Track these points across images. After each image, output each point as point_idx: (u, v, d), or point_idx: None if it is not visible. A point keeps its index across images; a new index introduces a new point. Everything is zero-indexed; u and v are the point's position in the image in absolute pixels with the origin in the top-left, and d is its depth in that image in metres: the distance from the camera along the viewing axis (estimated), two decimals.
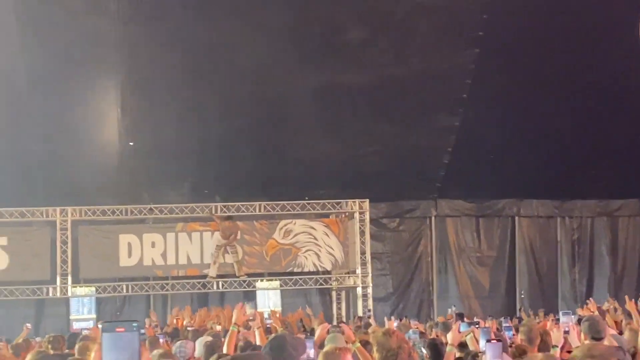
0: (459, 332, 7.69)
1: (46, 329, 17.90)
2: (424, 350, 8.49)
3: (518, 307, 23.08)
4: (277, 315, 17.29)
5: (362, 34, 19.28)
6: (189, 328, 14.74)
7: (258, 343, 7.87)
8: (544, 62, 19.75)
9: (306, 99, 20.22)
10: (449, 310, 20.48)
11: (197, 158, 21.57)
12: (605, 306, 16.93)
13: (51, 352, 9.09)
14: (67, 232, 21.70)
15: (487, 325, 11.22)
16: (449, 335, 7.70)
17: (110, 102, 20.33)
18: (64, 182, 21.30)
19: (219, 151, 21.21)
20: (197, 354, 8.34)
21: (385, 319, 16.49)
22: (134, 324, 2.19)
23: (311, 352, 5.50)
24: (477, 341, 7.57)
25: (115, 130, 20.89)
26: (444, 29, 19.39)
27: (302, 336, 9.00)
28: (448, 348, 7.69)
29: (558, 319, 11.73)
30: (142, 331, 14.02)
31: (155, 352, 6.82)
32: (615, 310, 16.00)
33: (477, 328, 8.27)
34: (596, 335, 7.14)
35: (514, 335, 9.52)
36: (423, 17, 19.11)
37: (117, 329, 2.18)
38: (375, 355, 5.60)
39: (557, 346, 6.93)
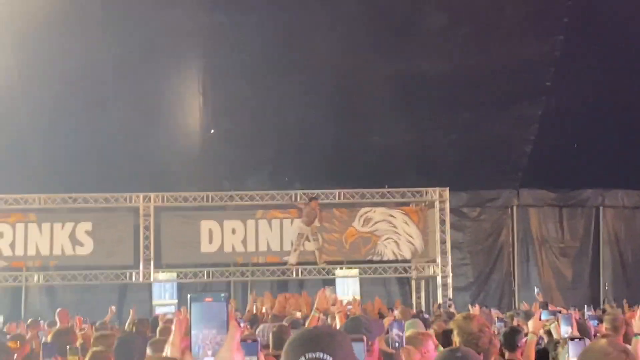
0: (540, 320, 7.59)
1: (129, 314, 18.16)
2: None
3: (602, 298, 22.66)
4: (358, 302, 17.29)
5: (443, 20, 19.14)
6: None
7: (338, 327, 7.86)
8: (629, 48, 19.33)
9: (386, 86, 20.15)
10: (535, 290, 20.17)
11: (276, 146, 21.69)
12: None
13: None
14: (149, 218, 22.04)
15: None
16: (530, 323, 7.61)
17: (193, 90, 20.59)
18: (147, 169, 21.63)
19: (298, 139, 21.29)
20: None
21: (470, 306, 16.39)
22: (222, 295, 2.20)
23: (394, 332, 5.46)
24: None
25: (198, 118, 21.16)
26: (527, 15, 19.15)
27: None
28: (529, 336, 7.59)
29: None
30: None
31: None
32: None
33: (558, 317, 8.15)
34: None
35: (598, 325, 9.36)
36: (506, 4, 18.89)
37: (206, 299, 2.19)
38: (456, 339, 5.55)
39: (639, 333, 6.75)
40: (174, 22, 18.77)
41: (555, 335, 7.72)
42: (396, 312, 14.48)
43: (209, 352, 2.16)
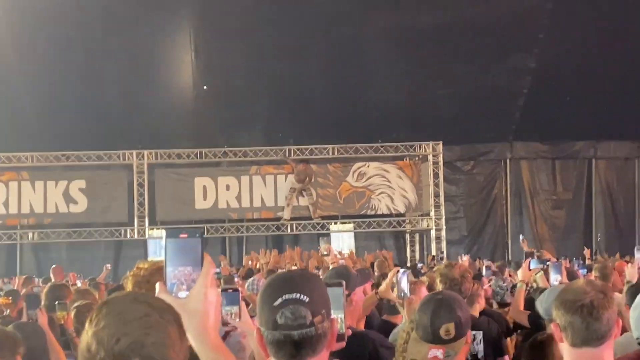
0: (529, 269, 7.66)
1: (125, 271, 18.18)
2: (500, 287, 8.52)
3: (594, 249, 22.80)
4: (352, 255, 17.39)
5: None
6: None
7: None
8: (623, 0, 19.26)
9: (379, 40, 20.07)
10: (520, 237, 20.35)
11: (270, 101, 21.65)
12: None
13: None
14: (143, 175, 22.08)
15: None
16: (519, 272, 7.70)
17: (185, 46, 20.48)
18: (140, 126, 21.60)
19: (292, 94, 21.24)
20: None
21: (459, 257, 16.49)
22: (197, 232, 2.21)
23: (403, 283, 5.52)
24: (548, 278, 7.53)
25: (190, 74, 21.08)
26: None
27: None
28: (518, 284, 7.68)
29: None
30: (218, 270, 14.28)
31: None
32: None
33: (548, 267, 8.23)
34: None
35: (587, 273, 9.44)
36: None
37: (181, 235, 2.20)
38: (439, 286, 5.65)
39: (631, 281, 6.83)
40: None
41: (541, 284, 7.80)
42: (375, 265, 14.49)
43: (183, 288, 2.17)
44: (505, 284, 8.80)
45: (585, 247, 19.12)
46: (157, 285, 2.18)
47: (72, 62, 19.95)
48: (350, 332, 3.05)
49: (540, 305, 5.61)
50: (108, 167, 22.50)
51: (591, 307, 3.26)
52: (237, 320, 3.64)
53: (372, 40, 20.16)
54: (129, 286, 4.21)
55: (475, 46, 20.50)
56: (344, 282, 3.02)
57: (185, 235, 2.19)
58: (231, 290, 3.82)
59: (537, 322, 6.65)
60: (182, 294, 2.16)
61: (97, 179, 22.34)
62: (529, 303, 7.78)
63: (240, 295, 3.78)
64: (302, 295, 2.50)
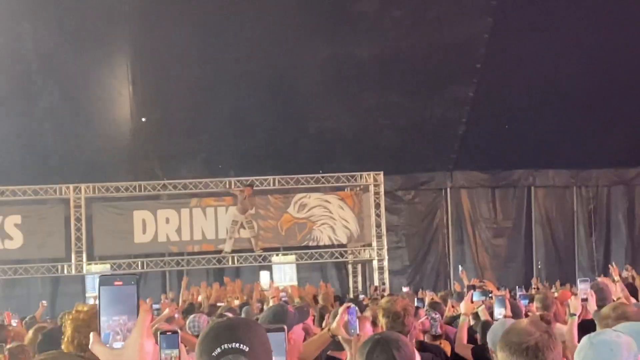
0: (472, 301, 7.64)
1: (62, 307, 17.88)
2: (433, 319, 8.48)
3: (535, 277, 22.99)
4: (295, 288, 17.29)
5: (373, 4, 19.13)
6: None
7: None
8: (558, 29, 19.53)
9: (318, 71, 20.10)
10: (459, 268, 20.40)
11: (209, 133, 21.50)
12: (624, 274, 16.80)
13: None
14: (81, 210, 21.71)
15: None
16: (462, 305, 7.68)
17: (122, 78, 20.27)
18: (77, 160, 21.29)
19: (231, 125, 21.12)
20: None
21: (403, 287, 16.48)
22: (132, 278, 2.10)
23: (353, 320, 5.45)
24: (492, 311, 7.49)
25: (127, 107, 20.84)
26: None
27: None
28: (461, 318, 7.66)
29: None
30: (157, 306, 14.04)
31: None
32: (633, 278, 15.89)
33: (490, 298, 8.21)
34: (601, 302, 7.06)
35: (529, 304, 9.44)
36: None
37: (115, 283, 2.09)
38: (382, 321, 5.62)
39: (575, 314, 6.81)
40: (101, 8, 18.44)
41: (483, 318, 7.78)
42: (319, 298, 14.42)
43: (118, 338, 2.06)
44: (437, 316, 8.77)
45: (534, 276, 19.30)
46: (91, 335, 2.07)
47: (6, 95, 19.63)
48: None
49: (490, 338, 5.56)
50: (44, 201, 22.09)
51: (536, 349, 3.22)
52: None
53: (310, 71, 20.17)
54: (68, 331, 4.05)
55: (413, 76, 20.62)
56: (285, 327, 2.92)
57: (120, 283, 2.10)
58: (170, 333, 3.69)
59: (480, 355, 6.60)
60: (118, 344, 2.06)
61: (33, 214, 21.93)
62: (470, 336, 7.76)
63: (180, 337, 3.65)
64: (242, 345, 2.40)
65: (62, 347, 4.39)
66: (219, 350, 2.40)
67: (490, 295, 8.30)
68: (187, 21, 18.84)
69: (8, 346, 6.44)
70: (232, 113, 20.79)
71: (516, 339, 3.27)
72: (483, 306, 7.88)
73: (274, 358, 2.57)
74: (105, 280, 2.11)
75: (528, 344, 3.23)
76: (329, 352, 6.66)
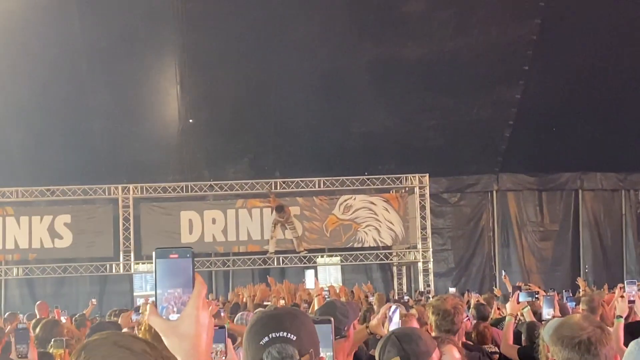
0: (518, 302, 7.61)
1: (110, 305, 18.10)
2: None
3: (581, 278, 22.76)
4: (342, 289, 17.29)
5: (422, 5, 19.11)
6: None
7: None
8: (606, 31, 19.36)
9: (365, 72, 20.12)
10: (502, 273, 20.27)
11: (256, 134, 21.63)
12: None
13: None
14: (129, 210, 21.94)
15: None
16: (508, 306, 7.64)
17: (170, 79, 20.47)
18: (125, 160, 21.54)
19: (277, 127, 21.22)
20: None
21: (450, 289, 16.41)
22: (188, 251, 2.11)
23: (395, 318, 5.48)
24: (539, 312, 7.47)
25: (176, 108, 21.05)
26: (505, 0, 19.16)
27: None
28: (507, 319, 7.63)
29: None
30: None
31: None
32: None
33: (537, 299, 8.17)
34: None
35: (575, 306, 9.38)
36: None
37: (171, 256, 2.10)
38: (431, 318, 5.61)
39: (622, 317, 6.76)
40: (151, 10, 18.64)
41: (528, 319, 7.74)
42: (372, 299, 14.43)
43: (174, 310, 2.07)
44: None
45: (579, 278, 19.12)
46: (148, 307, 2.09)
47: (57, 96, 19.90)
48: None
49: (546, 333, 5.54)
50: (93, 201, 22.35)
51: (589, 343, 3.21)
52: (223, 358, 3.57)
53: (358, 73, 20.19)
54: (144, 320, 4.09)
55: (460, 78, 20.54)
56: (332, 319, 2.96)
57: (175, 256, 2.09)
58: (217, 327, 3.74)
59: (526, 356, 6.58)
60: (173, 316, 2.06)
61: (82, 213, 22.20)
62: (516, 337, 7.72)
63: (226, 332, 3.71)
64: (289, 334, 2.44)
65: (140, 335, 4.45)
66: (266, 339, 2.44)
67: (536, 296, 8.24)
68: (235, 23, 18.97)
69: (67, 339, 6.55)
70: (278, 114, 20.89)
71: (569, 333, 3.27)
72: (528, 307, 7.84)
73: (321, 349, 2.59)
74: (161, 253, 2.10)
75: (580, 338, 3.22)
76: (371, 351, 6.70)
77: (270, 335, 2.44)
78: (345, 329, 4.83)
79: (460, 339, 6.65)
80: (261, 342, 2.44)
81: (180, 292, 2.08)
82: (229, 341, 3.61)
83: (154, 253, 2.09)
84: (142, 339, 1.92)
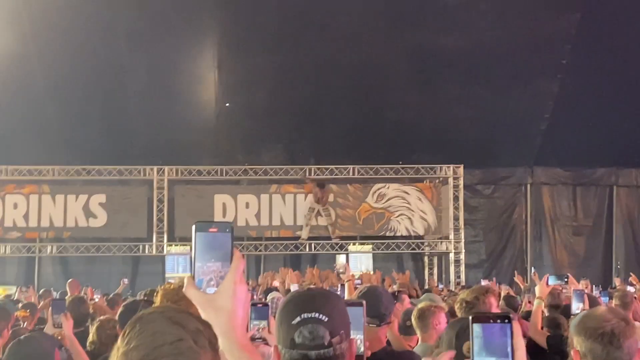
0: (547, 285, 7.55)
1: (142, 286, 18.25)
2: None
3: (615, 277, 22.63)
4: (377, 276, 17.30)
5: None
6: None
7: (347, 297, 7.84)
8: None
9: (402, 61, 20.09)
10: (532, 270, 20.22)
11: (291, 120, 21.66)
12: None
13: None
14: (163, 191, 22.12)
15: (580, 284, 10.96)
16: (537, 288, 7.60)
17: (208, 62, 20.55)
18: (161, 142, 21.66)
19: (313, 113, 21.25)
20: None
21: (482, 280, 16.37)
22: (227, 226, 2.14)
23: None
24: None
25: (213, 91, 21.14)
26: None
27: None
28: (536, 302, 7.58)
29: None
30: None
31: None
32: None
33: (566, 283, 8.13)
34: None
35: (609, 301, 9.36)
36: None
37: (210, 229, 2.13)
38: (456, 306, 5.59)
39: None
40: None
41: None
42: (394, 287, 14.34)
43: (212, 284, 2.10)
44: None
45: (613, 276, 18.97)
46: (186, 279, 2.12)
47: (95, 76, 20.06)
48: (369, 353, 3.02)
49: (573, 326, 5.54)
50: (128, 182, 22.57)
51: (612, 335, 3.23)
52: (269, 333, 3.65)
53: (394, 61, 20.16)
54: (157, 299, 4.15)
55: (497, 69, 20.44)
56: (364, 302, 3.00)
57: (215, 230, 2.12)
58: (260, 305, 3.82)
59: (556, 346, 6.56)
60: (211, 289, 2.10)
61: (117, 194, 22.41)
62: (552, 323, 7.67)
63: (270, 310, 3.78)
64: (320, 315, 2.48)
65: None
66: (298, 319, 2.48)
67: (566, 279, 8.14)
68: (273, 9, 19.01)
69: (99, 318, 6.68)
70: (314, 101, 20.92)
71: (593, 324, 3.29)
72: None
73: (351, 332, 2.63)
74: (201, 226, 2.12)
75: (604, 329, 3.25)
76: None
77: (302, 316, 2.48)
78: (390, 314, 4.89)
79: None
80: (293, 322, 2.49)
81: (219, 265, 2.11)
82: (272, 318, 3.68)
83: (193, 226, 2.11)
84: (197, 318, 1.96)
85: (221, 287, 2.09)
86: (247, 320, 2.24)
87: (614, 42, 19.52)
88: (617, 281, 17.32)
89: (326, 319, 2.48)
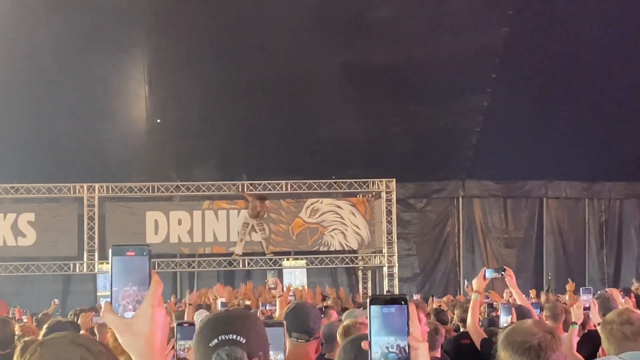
0: (484, 279, 7.49)
1: (73, 305, 18.00)
2: None
3: (545, 288, 22.94)
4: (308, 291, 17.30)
5: (391, 11, 19.14)
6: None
7: (278, 312, 7.80)
8: (574, 41, 19.51)
9: (334, 77, 20.12)
10: (465, 283, 20.40)
11: (224, 136, 21.57)
12: (633, 287, 16.78)
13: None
14: (94, 209, 21.84)
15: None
16: (474, 282, 7.54)
17: (138, 79, 20.37)
18: (91, 159, 21.39)
19: (246, 129, 21.19)
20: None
21: (414, 295, 16.46)
22: (144, 249, 2.10)
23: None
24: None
25: (143, 107, 20.94)
26: (473, 7, 19.21)
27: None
28: (473, 295, 7.55)
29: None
30: (165, 305, 14.10)
31: None
32: None
33: (502, 276, 8.01)
34: (605, 312, 7.03)
35: (540, 312, 9.41)
36: None
37: (128, 253, 2.08)
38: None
39: (577, 323, 6.84)
40: (119, 9, 18.53)
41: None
42: (328, 302, 14.34)
43: (129, 308, 2.05)
44: None
45: (543, 286, 19.24)
46: (103, 304, 2.07)
47: (23, 93, 19.73)
48: None
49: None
50: (58, 200, 22.24)
51: (539, 349, 3.24)
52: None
53: (326, 77, 20.19)
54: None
55: (428, 85, 20.58)
56: (284, 322, 2.98)
57: (132, 253, 2.07)
58: (186, 325, 3.78)
59: (487, 351, 6.55)
60: (128, 314, 2.05)
61: (47, 212, 22.08)
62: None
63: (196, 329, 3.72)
64: (238, 336, 2.45)
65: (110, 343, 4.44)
66: (215, 341, 2.44)
67: (503, 271, 7.94)
68: (203, 25, 18.92)
69: (24, 339, 6.52)
70: (246, 117, 20.85)
71: (519, 338, 3.28)
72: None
73: (271, 352, 2.60)
74: (117, 250, 2.07)
75: (531, 343, 3.25)
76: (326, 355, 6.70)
77: (220, 338, 2.44)
78: (318, 329, 4.89)
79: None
80: (210, 344, 2.45)
81: (136, 290, 2.07)
82: None
83: (110, 250, 2.07)
84: (100, 342, 1.92)
85: (139, 311, 2.05)
86: (166, 343, 2.19)
87: (541, 56, 19.82)
88: (542, 296, 17.49)
89: (244, 341, 2.44)
